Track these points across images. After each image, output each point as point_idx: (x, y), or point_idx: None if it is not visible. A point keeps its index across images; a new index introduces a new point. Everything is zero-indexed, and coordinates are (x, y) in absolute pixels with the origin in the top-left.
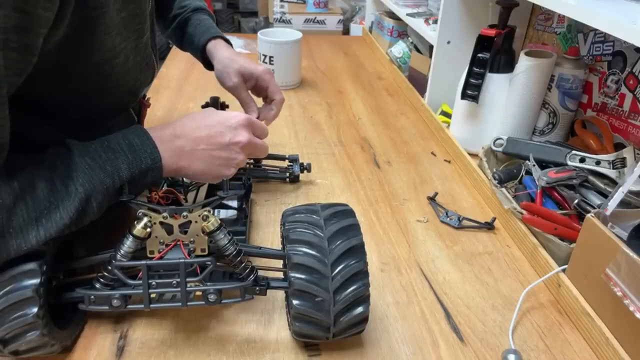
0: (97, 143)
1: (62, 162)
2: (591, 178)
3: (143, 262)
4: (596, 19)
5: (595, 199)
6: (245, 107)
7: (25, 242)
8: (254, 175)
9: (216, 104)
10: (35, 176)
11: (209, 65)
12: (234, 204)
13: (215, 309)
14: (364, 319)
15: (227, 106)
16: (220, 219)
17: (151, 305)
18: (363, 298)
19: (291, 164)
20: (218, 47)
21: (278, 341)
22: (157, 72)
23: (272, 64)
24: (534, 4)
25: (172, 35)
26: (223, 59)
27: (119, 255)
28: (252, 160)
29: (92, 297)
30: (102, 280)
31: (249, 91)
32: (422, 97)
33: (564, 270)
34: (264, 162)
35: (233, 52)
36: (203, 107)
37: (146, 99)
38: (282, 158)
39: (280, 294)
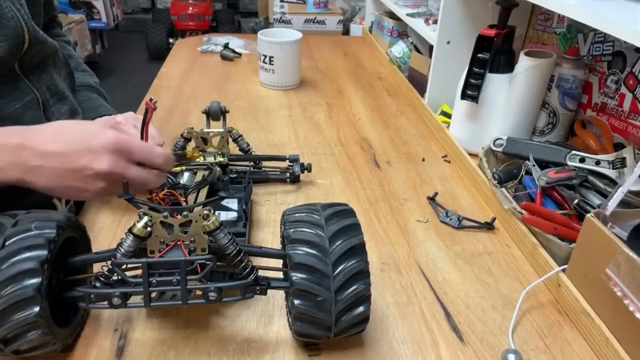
0: None
1: None
2: (591, 178)
3: (143, 259)
4: (596, 19)
5: (595, 199)
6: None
7: None
8: (254, 177)
9: (218, 109)
10: None
11: None
12: (235, 205)
13: (215, 309)
14: (365, 319)
15: (227, 111)
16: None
17: (151, 304)
18: (364, 298)
19: (291, 164)
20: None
21: (278, 341)
22: (27, 42)
23: (272, 64)
24: (534, 4)
25: None
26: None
27: (119, 254)
28: (252, 163)
29: (92, 295)
30: (102, 278)
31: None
32: (422, 97)
33: (563, 270)
34: (265, 163)
35: None
36: (203, 112)
37: (153, 101)
38: (283, 158)
39: (280, 293)
